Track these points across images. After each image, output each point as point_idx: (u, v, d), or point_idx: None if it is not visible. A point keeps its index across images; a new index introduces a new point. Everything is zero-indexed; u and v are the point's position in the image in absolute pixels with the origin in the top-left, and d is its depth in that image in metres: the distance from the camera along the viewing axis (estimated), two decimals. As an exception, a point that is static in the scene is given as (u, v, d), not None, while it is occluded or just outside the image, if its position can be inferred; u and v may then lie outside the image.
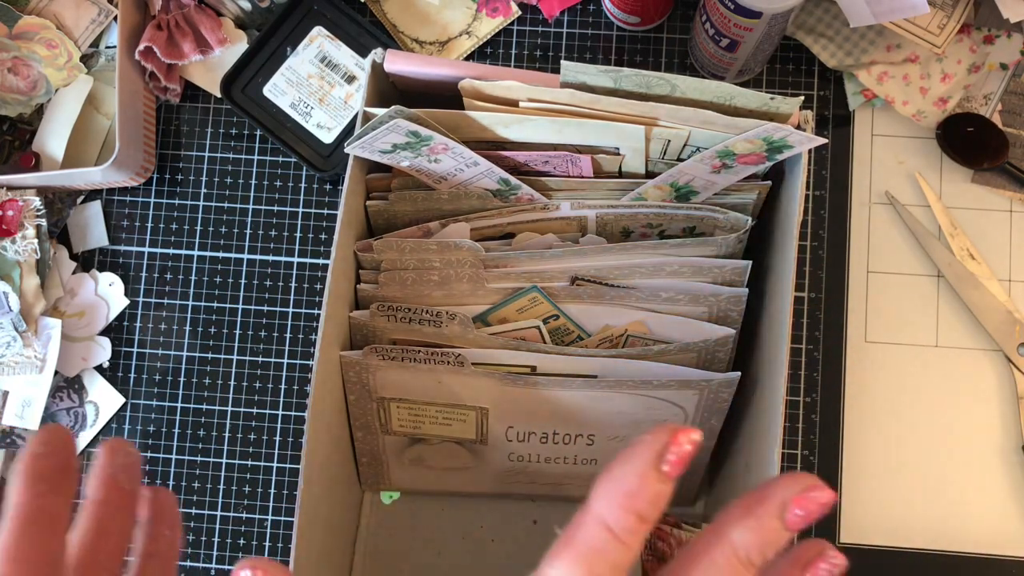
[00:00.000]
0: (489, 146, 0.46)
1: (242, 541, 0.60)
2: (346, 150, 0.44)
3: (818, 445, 0.58)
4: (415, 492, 0.58)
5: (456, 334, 0.48)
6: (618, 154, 0.46)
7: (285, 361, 0.62)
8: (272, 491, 0.61)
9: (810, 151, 0.44)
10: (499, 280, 0.48)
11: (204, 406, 0.62)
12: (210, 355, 0.62)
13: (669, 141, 0.43)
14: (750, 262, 0.48)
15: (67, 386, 0.62)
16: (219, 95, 0.62)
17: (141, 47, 0.60)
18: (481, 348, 0.48)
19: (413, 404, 0.51)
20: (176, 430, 0.62)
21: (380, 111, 0.43)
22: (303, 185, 0.63)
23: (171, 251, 0.63)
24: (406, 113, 0.42)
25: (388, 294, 0.49)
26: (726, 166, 0.44)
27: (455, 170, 0.46)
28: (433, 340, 0.49)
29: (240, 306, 0.62)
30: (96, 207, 0.64)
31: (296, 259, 0.62)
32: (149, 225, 0.64)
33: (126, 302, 0.63)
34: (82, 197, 0.64)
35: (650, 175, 0.47)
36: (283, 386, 0.62)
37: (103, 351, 0.62)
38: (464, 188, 0.47)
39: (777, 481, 0.28)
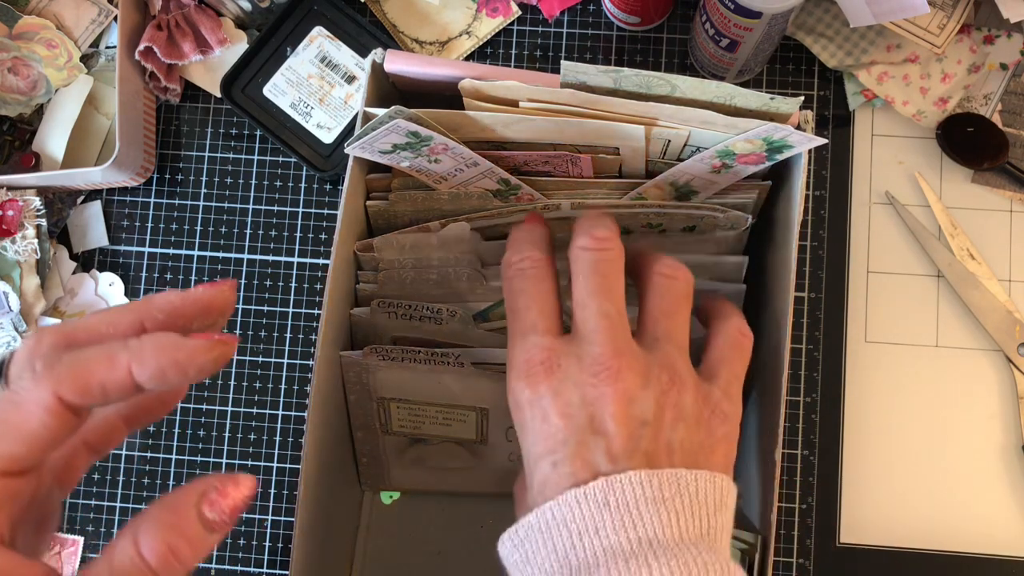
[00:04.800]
0: (489, 146, 0.46)
1: (242, 541, 0.60)
2: (346, 150, 0.44)
3: (818, 445, 0.58)
4: (415, 492, 0.58)
5: (456, 331, 0.48)
6: (618, 154, 0.46)
7: (285, 361, 0.62)
8: (272, 491, 0.61)
9: (810, 151, 0.44)
10: (499, 279, 0.48)
11: (204, 406, 0.62)
12: (210, 355, 0.62)
13: (669, 141, 0.43)
14: (746, 258, 0.48)
15: (67, 386, 0.62)
16: (219, 95, 0.62)
17: (141, 47, 0.60)
18: (481, 347, 0.48)
19: (413, 404, 0.51)
20: (176, 430, 0.62)
21: (380, 111, 0.43)
22: (303, 185, 0.63)
23: (171, 251, 0.63)
24: (406, 113, 0.42)
25: (387, 293, 0.49)
26: (726, 166, 0.44)
27: (455, 170, 0.46)
28: (433, 337, 0.49)
29: (240, 306, 0.62)
30: (96, 207, 0.64)
31: (296, 259, 0.62)
32: (149, 225, 0.64)
33: (126, 302, 0.63)
34: (82, 197, 0.64)
35: (650, 175, 0.47)
36: (283, 386, 0.62)
37: (103, 351, 0.62)
38: (464, 188, 0.47)
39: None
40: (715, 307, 0.42)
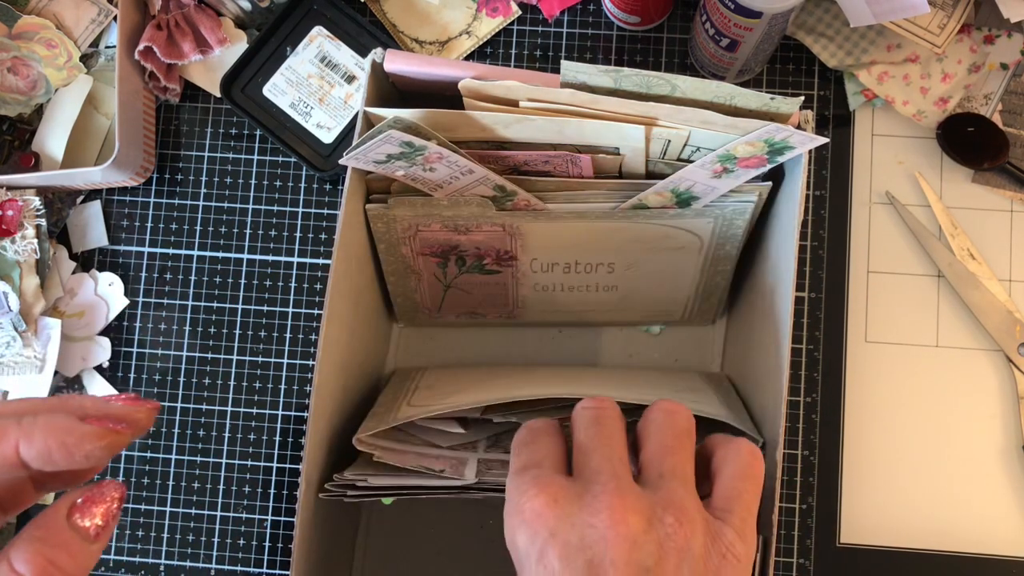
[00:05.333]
0: (489, 146, 0.46)
1: (242, 541, 0.60)
2: (341, 162, 0.44)
3: (818, 445, 0.58)
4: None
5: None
6: (618, 154, 0.46)
7: (285, 361, 0.62)
8: (272, 491, 0.61)
9: (810, 151, 0.44)
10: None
11: (204, 406, 0.62)
12: (210, 355, 0.62)
13: (669, 141, 0.43)
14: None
15: (67, 386, 0.62)
16: (219, 95, 0.62)
17: (141, 47, 0.60)
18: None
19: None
20: (176, 430, 0.62)
21: (381, 111, 0.43)
22: (303, 185, 0.63)
23: (171, 251, 0.63)
24: (402, 123, 0.42)
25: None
26: (727, 170, 0.44)
27: (450, 178, 0.46)
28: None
29: (240, 306, 0.62)
30: (96, 207, 0.64)
31: (296, 259, 0.62)
32: (149, 225, 0.64)
33: (126, 302, 0.63)
34: (82, 197, 0.64)
35: (650, 175, 0.47)
36: (283, 386, 0.62)
37: (103, 351, 0.62)
38: (461, 195, 0.47)
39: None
40: (718, 437, 0.40)
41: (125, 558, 0.61)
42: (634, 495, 0.33)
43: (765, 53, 0.57)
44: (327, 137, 0.61)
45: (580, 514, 0.33)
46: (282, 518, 0.61)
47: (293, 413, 0.61)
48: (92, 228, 0.64)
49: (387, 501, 0.59)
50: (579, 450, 0.36)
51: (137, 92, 0.61)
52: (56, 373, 0.61)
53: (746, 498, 0.36)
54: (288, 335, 0.62)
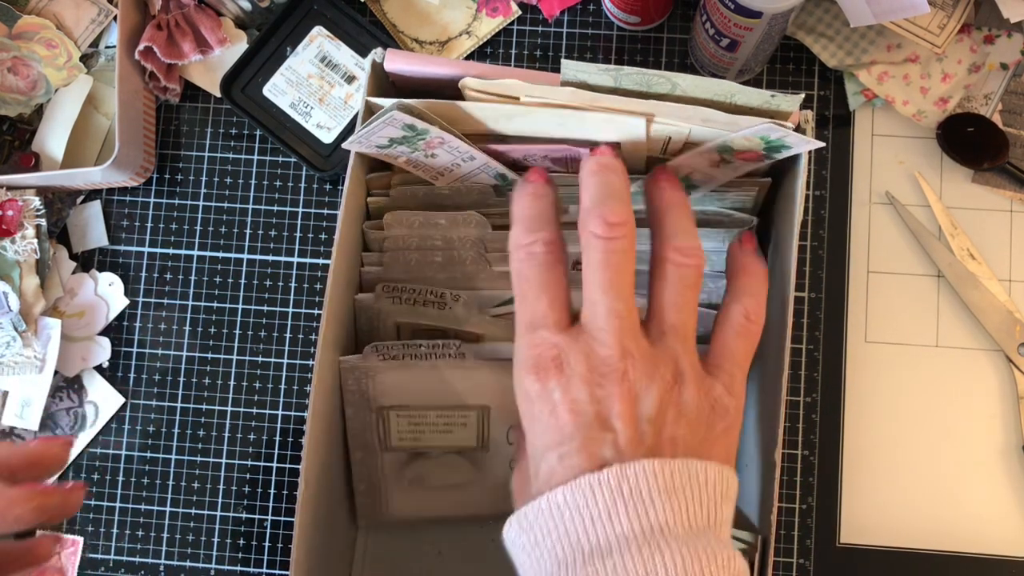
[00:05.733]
0: (489, 140, 0.46)
1: (242, 541, 0.60)
2: (344, 146, 0.44)
3: (818, 445, 0.58)
4: (415, 521, 0.56)
5: (460, 316, 0.48)
6: (619, 149, 0.45)
7: (285, 361, 0.62)
8: (272, 491, 0.61)
9: (810, 151, 0.44)
10: (503, 263, 0.48)
11: (204, 406, 0.62)
12: (210, 355, 0.62)
13: (670, 138, 0.43)
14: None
15: (67, 386, 0.62)
16: (219, 95, 0.62)
17: (141, 47, 0.60)
18: (484, 333, 0.48)
19: (413, 411, 0.50)
20: (176, 430, 0.62)
21: (382, 102, 0.43)
22: (303, 185, 0.63)
23: (171, 251, 0.63)
24: (404, 106, 0.42)
25: (392, 276, 0.49)
26: (725, 161, 0.44)
27: (452, 164, 0.46)
28: (437, 323, 0.49)
29: (240, 306, 0.62)
30: (96, 207, 0.64)
31: (296, 259, 0.62)
32: (149, 225, 0.64)
33: (126, 302, 0.63)
34: (82, 197, 0.64)
35: (649, 170, 0.47)
36: (283, 386, 0.62)
37: (103, 351, 0.62)
38: (463, 183, 0.47)
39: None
40: (735, 277, 0.42)
41: (125, 558, 0.61)
42: (637, 352, 0.36)
43: (765, 53, 0.57)
44: (327, 137, 0.61)
45: (588, 373, 0.36)
46: (282, 518, 0.61)
47: (293, 413, 0.61)
48: (92, 228, 0.64)
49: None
50: (588, 298, 0.38)
51: (137, 92, 0.61)
52: (56, 373, 0.61)
53: (737, 356, 0.40)
54: (288, 335, 0.62)
